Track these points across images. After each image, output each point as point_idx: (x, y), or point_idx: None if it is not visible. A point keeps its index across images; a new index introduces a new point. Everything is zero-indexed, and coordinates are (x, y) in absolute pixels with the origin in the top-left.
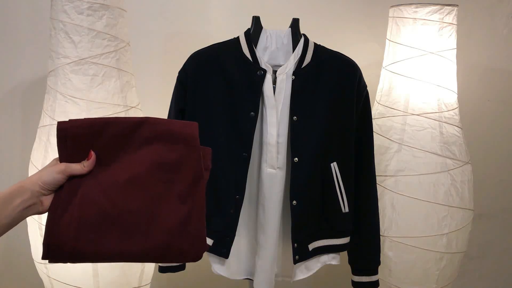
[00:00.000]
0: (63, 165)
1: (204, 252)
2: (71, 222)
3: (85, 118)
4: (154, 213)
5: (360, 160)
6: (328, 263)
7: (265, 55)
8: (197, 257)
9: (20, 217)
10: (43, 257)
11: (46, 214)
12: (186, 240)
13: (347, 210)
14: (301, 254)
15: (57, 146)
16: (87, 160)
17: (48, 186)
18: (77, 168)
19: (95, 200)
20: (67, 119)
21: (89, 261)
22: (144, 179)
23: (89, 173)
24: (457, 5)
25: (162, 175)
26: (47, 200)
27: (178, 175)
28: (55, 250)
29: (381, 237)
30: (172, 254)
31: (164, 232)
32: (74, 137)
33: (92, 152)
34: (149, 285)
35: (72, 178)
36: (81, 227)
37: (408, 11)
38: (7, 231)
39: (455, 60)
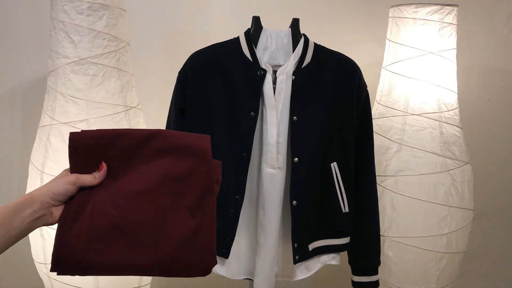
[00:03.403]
0: (74, 176)
1: (213, 266)
2: (80, 233)
3: (97, 130)
4: (163, 225)
5: (360, 160)
6: (328, 263)
7: (265, 55)
8: (205, 271)
9: (29, 228)
10: (52, 269)
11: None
12: (195, 253)
13: (347, 210)
14: (301, 254)
15: (68, 157)
16: (98, 171)
17: (58, 197)
18: (88, 179)
19: (104, 211)
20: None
21: (97, 274)
22: (154, 191)
23: (100, 184)
24: (457, 5)
25: (172, 187)
26: (57, 211)
27: (188, 187)
28: (64, 262)
29: (381, 237)
30: (180, 267)
31: (173, 245)
32: (85, 148)
33: (104, 164)
34: (149, 285)
35: (82, 189)
36: (91, 238)
37: (408, 11)
38: (16, 242)
39: (455, 60)
